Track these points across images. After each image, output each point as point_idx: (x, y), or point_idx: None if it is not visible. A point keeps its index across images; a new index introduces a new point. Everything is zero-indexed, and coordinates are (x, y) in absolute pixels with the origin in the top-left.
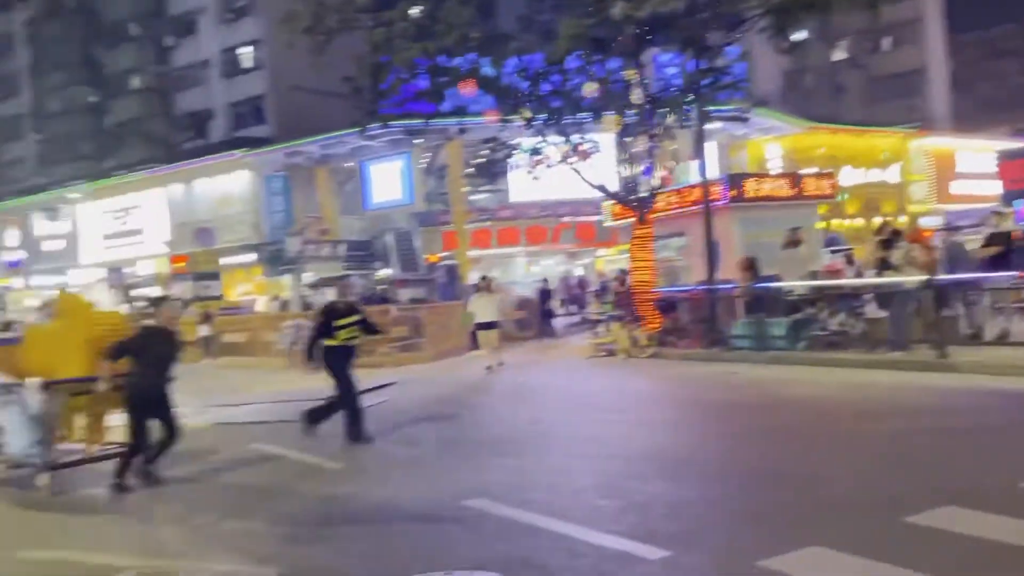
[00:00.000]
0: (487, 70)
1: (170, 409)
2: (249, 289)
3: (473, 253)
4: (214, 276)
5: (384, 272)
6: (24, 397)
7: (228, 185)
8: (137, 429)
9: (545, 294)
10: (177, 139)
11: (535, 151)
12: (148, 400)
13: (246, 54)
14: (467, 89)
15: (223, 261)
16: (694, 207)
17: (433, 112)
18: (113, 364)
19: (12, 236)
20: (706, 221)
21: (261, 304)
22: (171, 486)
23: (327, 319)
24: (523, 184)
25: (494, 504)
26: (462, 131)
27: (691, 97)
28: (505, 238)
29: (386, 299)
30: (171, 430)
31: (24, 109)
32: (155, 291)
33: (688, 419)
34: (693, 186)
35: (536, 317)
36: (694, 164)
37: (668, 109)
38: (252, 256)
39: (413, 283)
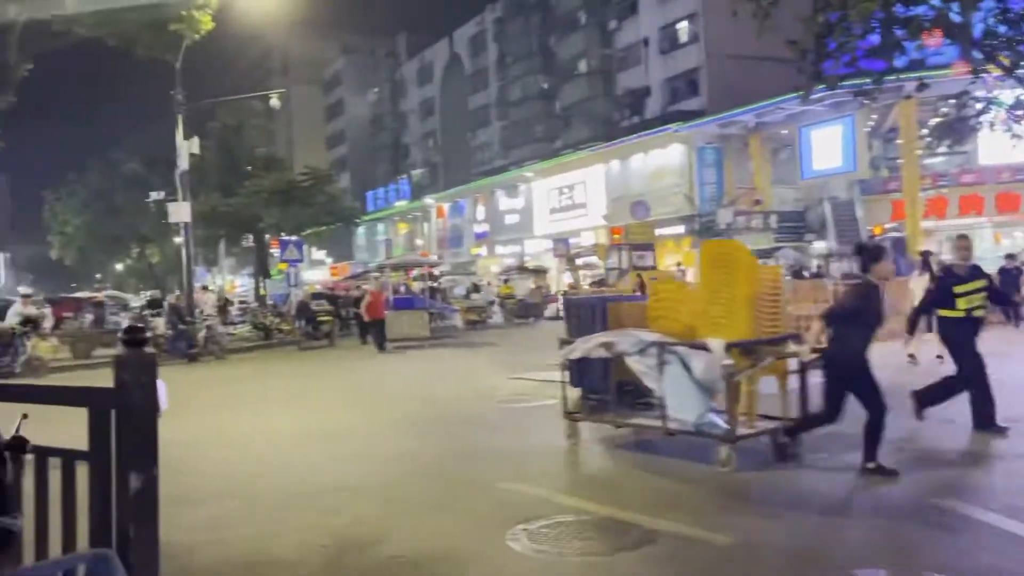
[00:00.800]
0: (954, 16)
1: (871, 382)
2: (679, 260)
3: (927, 224)
4: (648, 247)
5: (819, 245)
6: (690, 358)
7: (662, 159)
8: (836, 399)
9: (1013, 272)
10: (616, 117)
11: (1018, 105)
12: (851, 368)
13: (682, 29)
14: (931, 40)
15: (656, 232)
16: None
17: (886, 69)
18: (826, 327)
19: (480, 211)
20: None
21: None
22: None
23: (944, 285)
24: (995, 144)
25: (971, 507)
26: (921, 88)
27: None
28: (967, 207)
29: (819, 274)
30: (871, 407)
31: (491, 99)
32: (833, 249)
33: None
34: None
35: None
36: None
37: None
38: (681, 228)
39: (849, 256)
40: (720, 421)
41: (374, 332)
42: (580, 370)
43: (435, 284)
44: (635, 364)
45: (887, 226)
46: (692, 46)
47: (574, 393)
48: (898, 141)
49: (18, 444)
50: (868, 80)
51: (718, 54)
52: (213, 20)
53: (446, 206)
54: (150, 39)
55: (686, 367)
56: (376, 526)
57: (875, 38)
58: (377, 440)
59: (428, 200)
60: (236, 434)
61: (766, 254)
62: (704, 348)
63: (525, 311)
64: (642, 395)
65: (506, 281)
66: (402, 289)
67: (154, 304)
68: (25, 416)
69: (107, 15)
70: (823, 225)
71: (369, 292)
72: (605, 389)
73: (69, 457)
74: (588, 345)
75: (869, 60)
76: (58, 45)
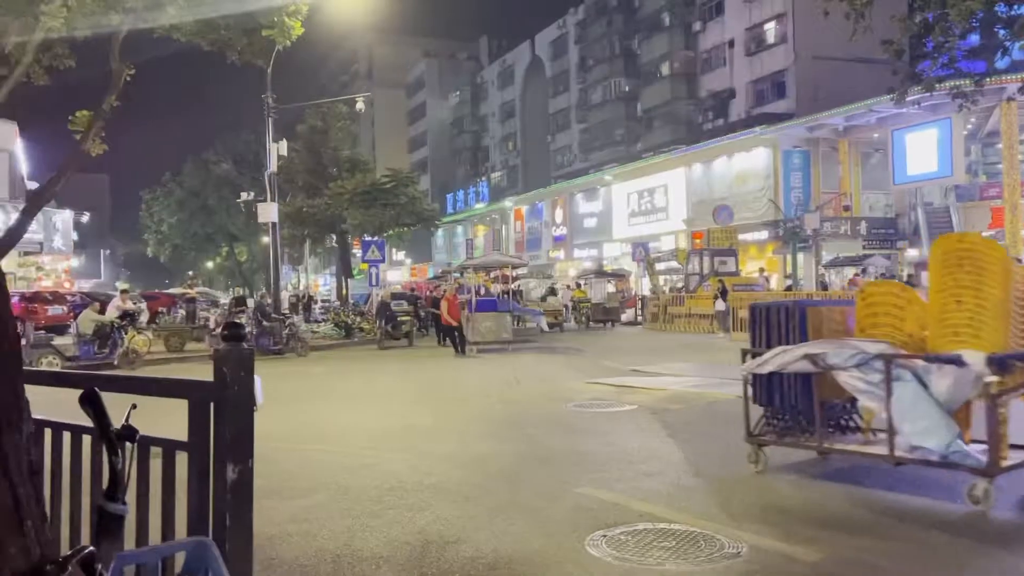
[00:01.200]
0: None
1: None
2: (762, 266)
3: None
4: (730, 252)
5: (911, 252)
6: (929, 374)
7: (746, 162)
8: None
9: None
10: (699, 120)
11: None
12: None
13: (770, 30)
14: None
15: (739, 238)
16: None
17: (987, 71)
18: None
19: (558, 214)
20: None
21: (774, 282)
22: (722, 458)
23: None
24: None
25: None
26: None
27: None
28: None
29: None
30: None
31: (571, 102)
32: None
33: None
34: None
35: None
36: None
37: None
38: (765, 233)
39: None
40: (972, 450)
41: (452, 335)
42: (770, 386)
43: (514, 287)
44: (851, 380)
45: (985, 234)
46: (780, 47)
47: (753, 413)
48: (998, 145)
49: (128, 433)
50: (967, 82)
51: (807, 55)
52: (302, 26)
53: (524, 209)
54: (244, 45)
55: (923, 384)
56: (456, 525)
57: (975, 38)
58: (455, 440)
59: (507, 203)
60: (320, 429)
61: (855, 261)
62: (951, 361)
63: (603, 315)
64: (837, 415)
65: (579, 285)
66: (482, 291)
67: (239, 302)
68: (134, 406)
69: (205, 23)
70: (916, 232)
71: (445, 296)
72: (806, 409)
73: (169, 447)
74: (787, 357)
75: (969, 61)
76: (158, 52)
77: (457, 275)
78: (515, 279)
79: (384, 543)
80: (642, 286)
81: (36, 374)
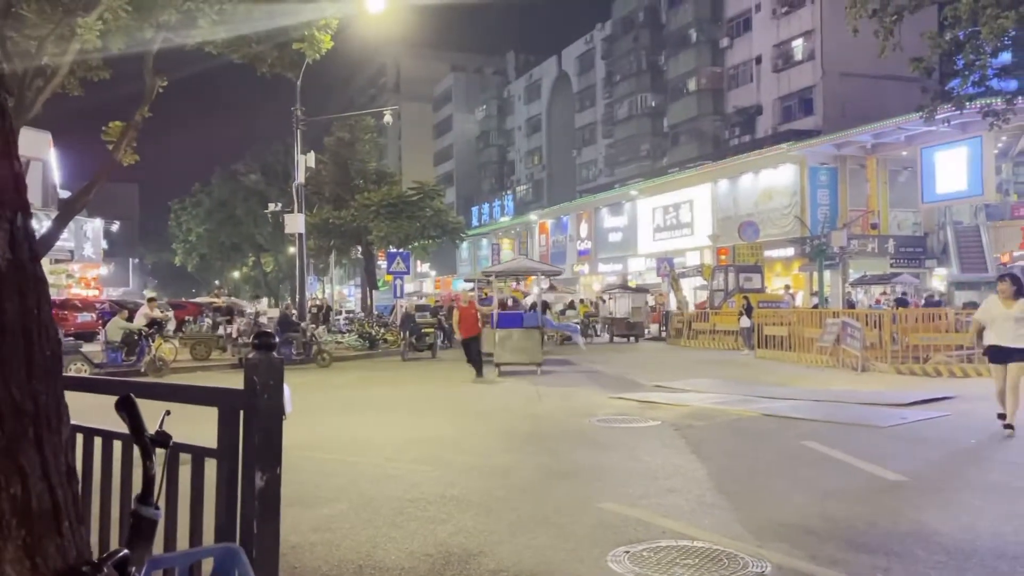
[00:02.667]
0: None
1: None
2: (787, 283)
3: None
4: (756, 269)
5: (940, 271)
6: None
7: (772, 179)
8: None
9: None
10: (725, 136)
11: None
12: None
13: (797, 46)
14: None
15: (765, 254)
16: None
17: (1018, 90)
18: None
19: (583, 228)
20: None
21: (800, 299)
22: (730, 472)
23: None
24: None
25: None
26: None
27: None
28: None
29: (937, 302)
30: None
31: (597, 117)
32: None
33: None
34: None
35: None
36: None
37: None
38: (791, 250)
39: (971, 285)
40: None
41: (468, 352)
42: None
43: (533, 300)
44: None
45: (1015, 254)
46: (807, 64)
47: None
48: None
49: (162, 439)
50: (998, 100)
51: (835, 72)
52: (332, 40)
53: (549, 223)
54: (274, 58)
55: None
56: (478, 538)
57: (1007, 56)
58: (478, 452)
59: (532, 216)
60: (343, 439)
61: (882, 279)
62: None
63: (626, 330)
64: None
65: (583, 301)
66: (509, 302)
67: (226, 312)
68: (168, 413)
69: (237, 37)
70: (944, 251)
71: (457, 305)
72: None
73: (199, 454)
74: None
75: (1000, 79)
76: (190, 65)
77: (481, 283)
78: (551, 288)
79: (406, 555)
80: (668, 301)
81: (71, 380)
